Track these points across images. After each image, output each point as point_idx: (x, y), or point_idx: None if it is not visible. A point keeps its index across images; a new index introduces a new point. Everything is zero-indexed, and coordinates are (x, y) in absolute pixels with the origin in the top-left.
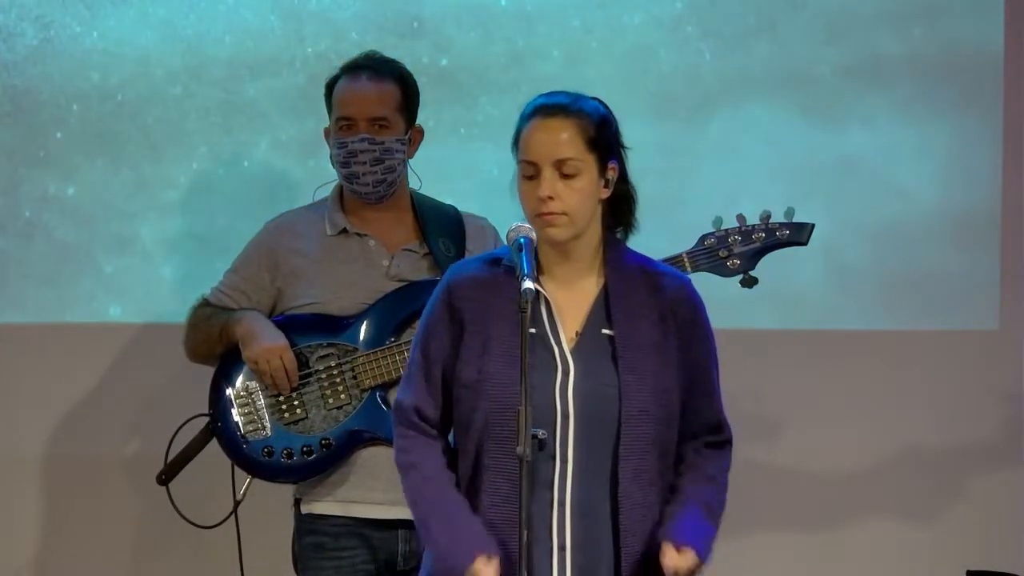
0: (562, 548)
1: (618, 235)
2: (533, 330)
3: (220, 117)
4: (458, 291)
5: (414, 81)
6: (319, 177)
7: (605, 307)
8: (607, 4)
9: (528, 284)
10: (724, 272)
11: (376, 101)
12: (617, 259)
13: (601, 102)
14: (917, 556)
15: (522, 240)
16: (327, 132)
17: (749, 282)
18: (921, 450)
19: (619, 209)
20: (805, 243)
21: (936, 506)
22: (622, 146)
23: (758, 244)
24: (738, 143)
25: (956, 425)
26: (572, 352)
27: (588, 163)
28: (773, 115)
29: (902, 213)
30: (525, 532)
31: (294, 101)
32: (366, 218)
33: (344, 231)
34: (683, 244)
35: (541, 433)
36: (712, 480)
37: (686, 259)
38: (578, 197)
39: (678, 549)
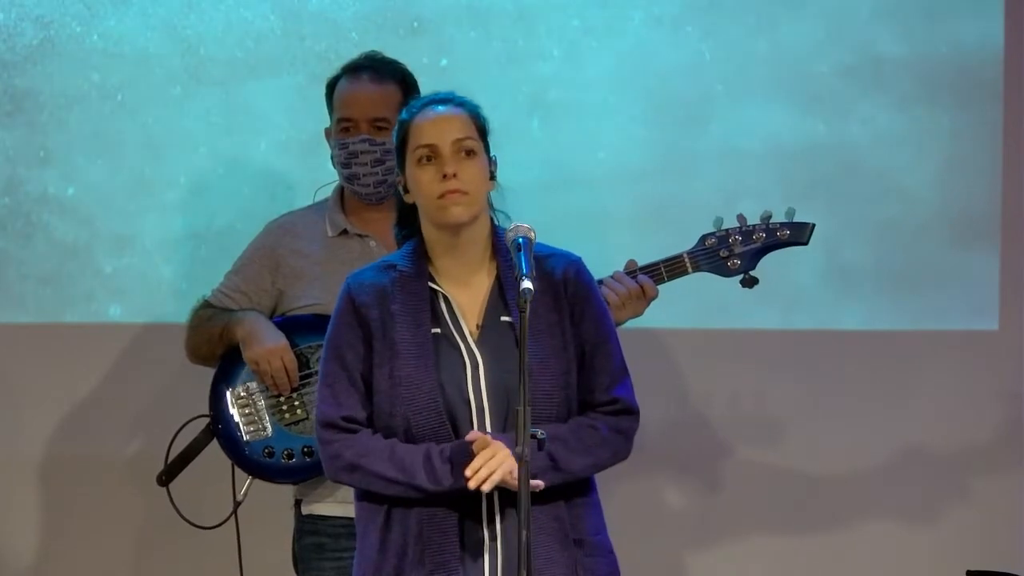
0: (493, 539)
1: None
2: (437, 330)
3: (220, 117)
4: (359, 298)
5: (415, 82)
6: (319, 177)
7: (501, 296)
8: (607, 4)
9: (527, 284)
10: (725, 272)
11: (377, 102)
12: (506, 248)
13: None
14: (917, 556)
15: (521, 240)
16: (328, 132)
17: (750, 282)
18: (921, 450)
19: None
20: (806, 243)
21: (936, 506)
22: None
23: (759, 244)
24: (738, 143)
25: (956, 425)
26: (477, 345)
27: (480, 147)
28: (773, 115)
29: (902, 213)
30: (524, 532)
31: (294, 101)
32: (367, 219)
33: (345, 232)
34: (683, 244)
35: (540, 433)
36: (580, 424)
37: (687, 259)
38: (477, 176)
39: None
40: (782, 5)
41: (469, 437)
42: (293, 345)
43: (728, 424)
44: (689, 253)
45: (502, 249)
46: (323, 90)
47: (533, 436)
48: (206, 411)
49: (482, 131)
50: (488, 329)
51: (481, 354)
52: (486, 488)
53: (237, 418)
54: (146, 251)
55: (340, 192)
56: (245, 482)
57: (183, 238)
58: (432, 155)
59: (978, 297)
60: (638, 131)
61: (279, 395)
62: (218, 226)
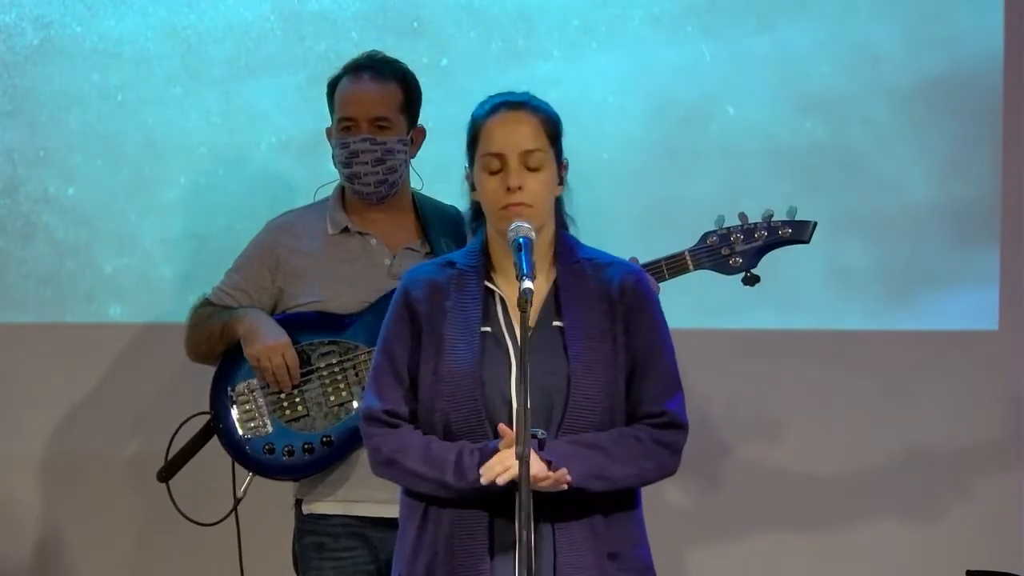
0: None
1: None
2: (487, 328)
3: (220, 117)
4: (413, 293)
5: (416, 81)
6: (319, 177)
7: (555, 301)
8: (607, 4)
9: (528, 284)
10: (726, 270)
11: (378, 101)
12: (567, 254)
13: None
14: (917, 556)
15: (522, 240)
16: (329, 132)
17: (751, 280)
18: (921, 450)
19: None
20: (807, 241)
21: (936, 506)
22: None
23: (760, 242)
24: (738, 143)
25: (956, 425)
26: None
27: (549, 157)
28: (773, 115)
29: (902, 213)
30: (524, 532)
31: (294, 101)
32: (368, 217)
33: (345, 230)
34: (685, 242)
35: (540, 433)
36: (623, 434)
37: (688, 257)
38: (543, 189)
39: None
40: (782, 5)
41: (500, 432)
42: (294, 342)
43: (728, 424)
44: (691, 251)
45: (564, 254)
46: (323, 90)
47: (533, 436)
48: (206, 409)
49: (554, 136)
50: (538, 332)
51: (528, 356)
52: (500, 482)
53: (238, 415)
54: (146, 251)
55: (341, 191)
56: (245, 479)
57: (183, 238)
58: (499, 165)
59: (978, 297)
60: (638, 131)
61: (280, 392)
62: (218, 226)
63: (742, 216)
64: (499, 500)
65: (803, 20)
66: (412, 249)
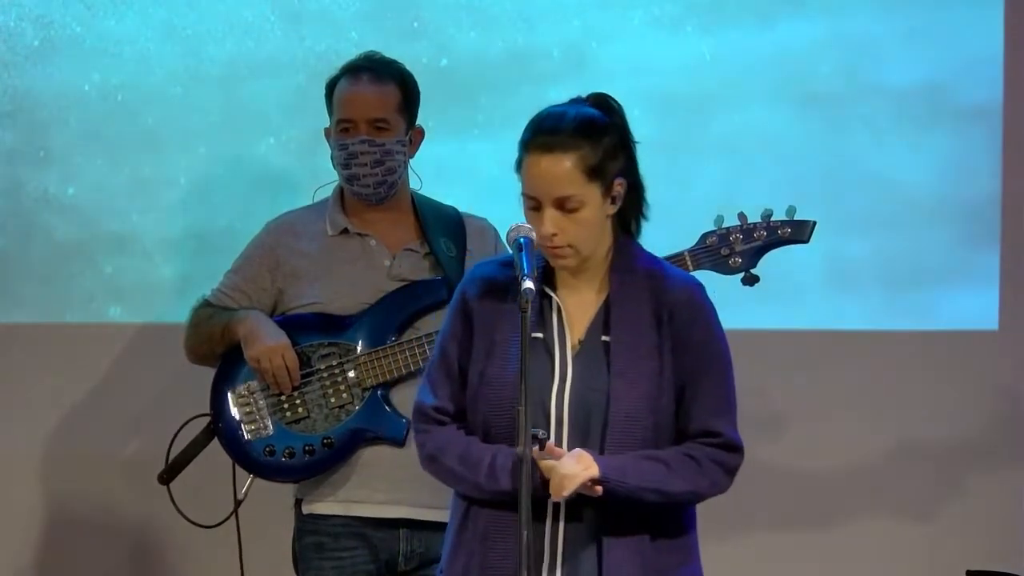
0: (553, 556)
1: (631, 227)
2: (540, 335)
3: (220, 117)
4: (471, 291)
5: (415, 82)
6: (319, 177)
7: (606, 314)
8: (607, 4)
9: (528, 284)
10: (726, 270)
11: (376, 103)
12: (624, 264)
13: (605, 104)
14: (917, 556)
15: (522, 240)
16: (328, 133)
17: (750, 280)
18: (921, 450)
19: (629, 203)
20: (807, 241)
21: (936, 506)
22: (630, 143)
23: (760, 242)
24: (738, 143)
25: (956, 425)
26: (574, 360)
27: (590, 193)
28: (773, 115)
29: (902, 213)
30: (525, 532)
31: (294, 101)
32: (367, 218)
33: (345, 231)
34: (684, 243)
35: (541, 433)
36: (680, 453)
37: (688, 257)
38: (582, 229)
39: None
40: (782, 5)
41: (551, 450)
42: (294, 343)
43: None
44: (690, 251)
45: (620, 265)
46: (323, 90)
47: (534, 436)
48: (207, 410)
49: (595, 169)
50: (587, 344)
51: (573, 368)
52: (565, 493)
53: (238, 417)
54: (146, 251)
55: (340, 192)
56: (246, 481)
57: (183, 238)
58: (536, 204)
59: (978, 297)
60: (638, 131)
61: (280, 394)
62: (218, 226)
63: (741, 216)
64: (533, 503)
65: (803, 20)
66: (411, 250)
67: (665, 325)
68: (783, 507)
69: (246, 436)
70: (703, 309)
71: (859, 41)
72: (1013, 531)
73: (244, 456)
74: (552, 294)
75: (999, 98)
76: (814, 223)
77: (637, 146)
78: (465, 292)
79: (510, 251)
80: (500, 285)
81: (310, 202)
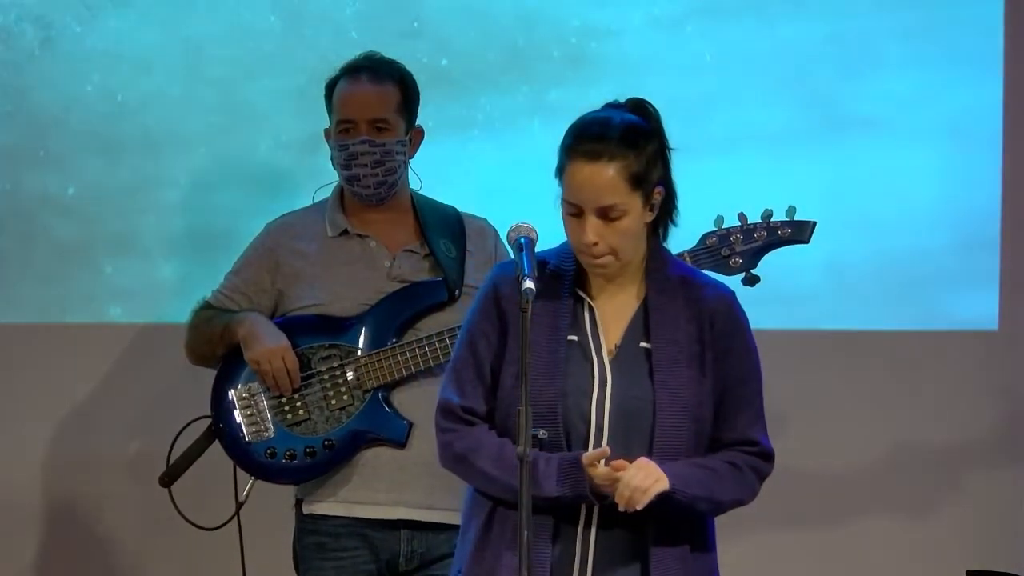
0: (584, 562)
1: (659, 232)
2: (575, 337)
3: (220, 117)
4: (503, 290)
5: (414, 82)
6: (319, 177)
7: (644, 320)
8: (607, 4)
9: (528, 284)
10: (726, 271)
11: (376, 103)
12: (659, 270)
13: (643, 110)
14: (917, 556)
15: (522, 240)
16: (327, 133)
17: (751, 280)
18: (921, 450)
19: (662, 209)
20: (807, 241)
21: (936, 506)
22: (668, 150)
23: (760, 242)
24: (738, 143)
25: (956, 425)
26: (611, 364)
27: (633, 202)
28: (773, 115)
29: (902, 213)
30: (526, 532)
31: (294, 101)
32: (367, 219)
33: (345, 232)
34: (684, 243)
35: (541, 433)
36: (723, 462)
37: (688, 258)
38: (624, 237)
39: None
40: (782, 5)
41: (595, 453)
42: (294, 345)
43: None
44: (691, 252)
45: (655, 270)
46: (323, 90)
47: (534, 436)
48: (208, 412)
49: (639, 176)
50: (625, 350)
51: (612, 373)
52: (639, 506)
53: (239, 419)
54: (146, 251)
55: (340, 192)
56: (247, 483)
57: (183, 238)
58: (577, 211)
59: (978, 297)
60: None
61: (281, 395)
62: (218, 226)
63: (741, 216)
64: (566, 508)
65: (803, 20)
66: (411, 251)
67: (707, 334)
68: (783, 507)
69: (247, 438)
70: (741, 319)
71: (859, 42)
72: (1013, 531)
73: (245, 458)
74: (586, 297)
75: (1000, 97)
76: (814, 223)
77: (672, 152)
78: (498, 289)
79: (510, 251)
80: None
81: (310, 203)
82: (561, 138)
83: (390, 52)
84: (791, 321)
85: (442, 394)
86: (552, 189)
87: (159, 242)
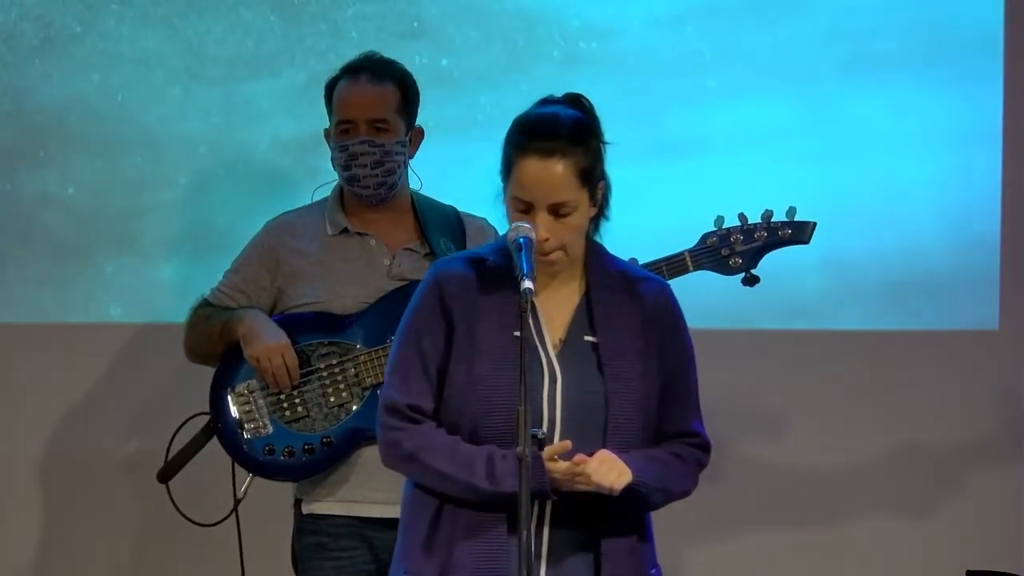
0: (538, 556)
1: (595, 227)
2: (519, 334)
3: (220, 117)
4: (448, 288)
5: (414, 82)
6: (319, 177)
7: (588, 314)
8: (607, 4)
9: (528, 284)
10: (726, 271)
11: (376, 103)
12: (598, 265)
13: (580, 104)
14: (917, 556)
15: (521, 240)
16: (327, 134)
17: (751, 280)
18: (921, 450)
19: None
20: (807, 241)
21: (936, 506)
22: (604, 143)
23: (760, 243)
24: (739, 143)
25: (956, 425)
26: (558, 359)
27: (581, 197)
28: (773, 114)
29: (903, 213)
30: (525, 532)
31: (294, 101)
32: (367, 218)
33: (345, 231)
34: (685, 243)
35: (541, 433)
36: (669, 453)
37: (688, 258)
38: (573, 233)
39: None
40: (782, 5)
41: (557, 447)
42: (294, 343)
43: (727, 424)
44: (691, 251)
45: (595, 267)
46: (323, 90)
47: (533, 436)
48: (206, 409)
49: (589, 171)
50: (570, 345)
51: (561, 368)
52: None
53: (237, 416)
54: (146, 251)
55: (340, 191)
56: (245, 480)
57: (183, 238)
58: (527, 208)
59: (978, 297)
60: (638, 131)
61: (280, 393)
62: (218, 226)
63: (741, 216)
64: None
65: (803, 20)
66: (411, 250)
67: (650, 327)
68: (783, 507)
69: (246, 435)
70: (679, 312)
71: (859, 41)
72: (1013, 531)
73: (243, 455)
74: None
75: (1000, 98)
76: (814, 224)
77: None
78: (442, 287)
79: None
80: (473, 282)
81: (310, 202)
82: (506, 137)
83: (390, 52)
84: (791, 321)
85: (386, 392)
86: None
87: (159, 242)
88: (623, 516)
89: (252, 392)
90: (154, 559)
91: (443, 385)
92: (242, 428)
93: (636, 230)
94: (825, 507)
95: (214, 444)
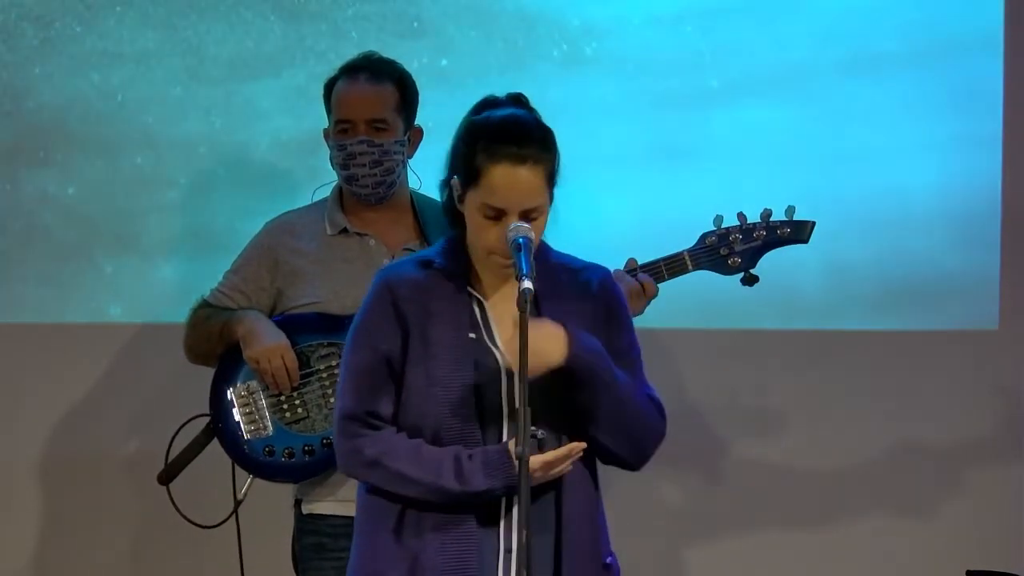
0: (508, 551)
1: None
2: (472, 335)
3: (220, 117)
4: (400, 292)
5: (412, 82)
6: (319, 177)
7: (535, 307)
8: (607, 4)
9: (527, 284)
10: (725, 270)
11: (374, 103)
12: (541, 259)
13: (525, 104)
14: (917, 556)
15: (521, 240)
16: (326, 133)
17: (750, 280)
18: (921, 450)
19: None
20: (806, 241)
21: (936, 506)
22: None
23: (759, 242)
24: (738, 143)
25: (956, 425)
26: (510, 353)
27: (547, 200)
28: (773, 114)
29: (902, 213)
30: (524, 532)
31: (294, 101)
32: (366, 218)
33: (344, 231)
34: (683, 243)
35: (540, 433)
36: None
37: (687, 257)
38: (538, 235)
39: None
40: (782, 5)
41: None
42: (293, 344)
43: (727, 424)
44: (690, 251)
45: (539, 263)
46: (322, 90)
47: (533, 436)
48: (206, 410)
49: (553, 174)
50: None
51: (514, 363)
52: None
53: (238, 417)
54: (146, 251)
55: (339, 191)
56: (246, 481)
57: (183, 238)
58: (498, 215)
59: (978, 297)
60: (638, 131)
61: (280, 394)
62: (218, 226)
63: (740, 216)
64: (485, 508)
65: (803, 20)
66: (411, 249)
67: (597, 311)
68: (782, 507)
69: (246, 436)
70: (621, 296)
71: (859, 40)
72: (1013, 531)
73: (244, 456)
74: (478, 295)
75: (1000, 98)
76: (813, 223)
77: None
78: (394, 292)
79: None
80: (423, 285)
81: (309, 202)
82: (465, 140)
83: (390, 52)
84: (791, 321)
85: (343, 401)
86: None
87: (159, 242)
88: (579, 504)
89: (252, 393)
90: (154, 561)
91: (400, 389)
92: (242, 429)
93: (636, 230)
94: (825, 507)
95: (214, 445)
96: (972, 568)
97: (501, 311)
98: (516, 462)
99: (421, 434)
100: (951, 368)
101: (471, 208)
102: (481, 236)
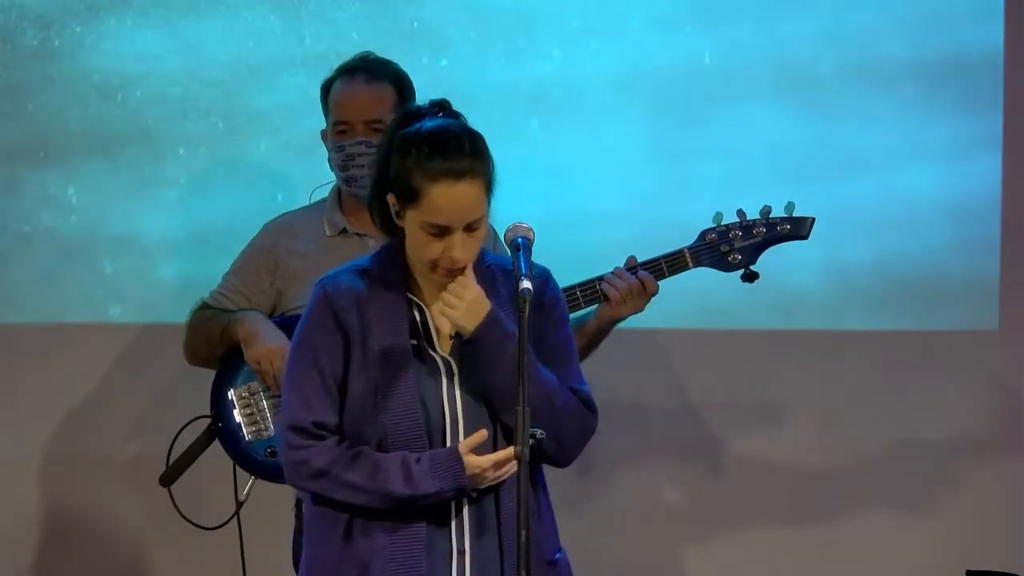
0: (461, 553)
1: None
2: (414, 341)
3: (220, 117)
4: (339, 302)
5: (410, 82)
6: (319, 177)
7: None
8: (607, 4)
9: (527, 284)
10: (725, 267)
11: (372, 103)
12: (478, 264)
13: (450, 110)
14: (917, 556)
15: (519, 240)
16: (324, 134)
17: (750, 277)
18: (921, 450)
19: None
20: (806, 237)
21: (936, 506)
22: None
23: (759, 239)
24: (738, 143)
25: (956, 425)
26: (452, 357)
27: (486, 208)
28: (773, 115)
29: (902, 213)
30: (524, 532)
31: (294, 101)
32: (365, 218)
33: (343, 231)
34: (684, 241)
35: (540, 433)
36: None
37: (688, 255)
38: (479, 244)
39: None
40: (782, 5)
41: (476, 438)
42: None
43: (727, 424)
44: (690, 248)
45: (476, 267)
46: (320, 91)
47: (532, 436)
48: (207, 412)
49: (490, 183)
50: (460, 338)
51: (455, 365)
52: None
53: (239, 418)
54: (146, 251)
55: (338, 192)
56: (247, 483)
57: (183, 238)
58: (440, 233)
59: (978, 297)
60: (638, 131)
61: (280, 395)
62: (218, 226)
63: (740, 213)
64: (435, 511)
65: (802, 20)
66: None
67: (534, 313)
68: (783, 507)
69: (247, 437)
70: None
71: (859, 41)
72: (1013, 531)
73: (245, 457)
74: (419, 301)
75: (999, 98)
76: (813, 219)
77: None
78: (332, 303)
79: (508, 251)
80: (362, 294)
81: (308, 203)
82: (397, 156)
83: (390, 52)
84: (791, 321)
85: (288, 412)
86: (553, 191)
87: (159, 242)
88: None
89: (253, 394)
90: (155, 562)
91: (344, 399)
92: (243, 430)
93: (636, 229)
94: (825, 507)
95: (216, 447)
96: (972, 568)
97: (441, 317)
98: (465, 463)
99: (367, 441)
100: (951, 368)
101: (412, 225)
102: (425, 251)
